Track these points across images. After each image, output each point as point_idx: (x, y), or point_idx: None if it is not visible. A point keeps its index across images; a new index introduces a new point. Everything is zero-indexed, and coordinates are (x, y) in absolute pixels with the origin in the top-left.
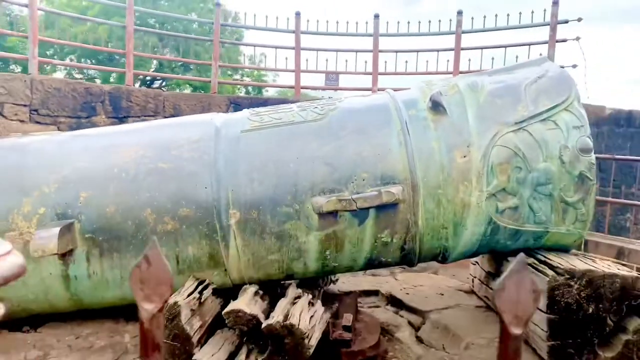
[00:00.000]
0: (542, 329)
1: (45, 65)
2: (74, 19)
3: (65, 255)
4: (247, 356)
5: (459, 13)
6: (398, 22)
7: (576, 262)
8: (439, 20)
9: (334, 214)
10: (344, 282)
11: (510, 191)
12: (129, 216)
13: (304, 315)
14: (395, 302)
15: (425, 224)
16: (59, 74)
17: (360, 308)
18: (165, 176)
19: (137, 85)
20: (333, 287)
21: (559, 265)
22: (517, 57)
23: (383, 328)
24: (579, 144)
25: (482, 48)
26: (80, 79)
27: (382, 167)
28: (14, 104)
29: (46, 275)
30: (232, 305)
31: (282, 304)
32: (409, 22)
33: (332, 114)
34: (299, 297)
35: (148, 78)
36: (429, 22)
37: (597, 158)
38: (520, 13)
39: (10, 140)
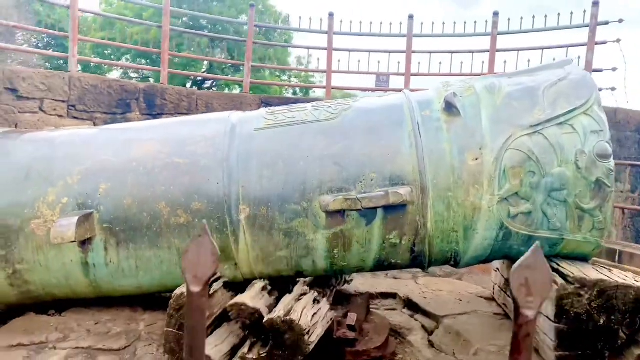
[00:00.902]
0: (550, 339)
1: (103, 65)
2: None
3: (84, 244)
4: (250, 349)
5: (495, 14)
6: (432, 23)
7: (590, 272)
8: (475, 22)
9: (341, 213)
10: (362, 284)
11: (523, 196)
12: (145, 208)
13: (307, 312)
14: (411, 305)
15: (434, 226)
16: (115, 74)
17: (375, 310)
18: (180, 171)
19: (188, 85)
20: (349, 288)
21: (570, 274)
22: (554, 59)
23: (395, 330)
24: (596, 149)
25: (518, 50)
26: (135, 78)
27: (391, 168)
28: (53, 99)
29: (67, 261)
30: (236, 299)
31: (286, 300)
32: (444, 23)
33: (345, 113)
34: (304, 294)
35: (199, 79)
36: (464, 23)
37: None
38: (559, 14)
39: (42, 134)
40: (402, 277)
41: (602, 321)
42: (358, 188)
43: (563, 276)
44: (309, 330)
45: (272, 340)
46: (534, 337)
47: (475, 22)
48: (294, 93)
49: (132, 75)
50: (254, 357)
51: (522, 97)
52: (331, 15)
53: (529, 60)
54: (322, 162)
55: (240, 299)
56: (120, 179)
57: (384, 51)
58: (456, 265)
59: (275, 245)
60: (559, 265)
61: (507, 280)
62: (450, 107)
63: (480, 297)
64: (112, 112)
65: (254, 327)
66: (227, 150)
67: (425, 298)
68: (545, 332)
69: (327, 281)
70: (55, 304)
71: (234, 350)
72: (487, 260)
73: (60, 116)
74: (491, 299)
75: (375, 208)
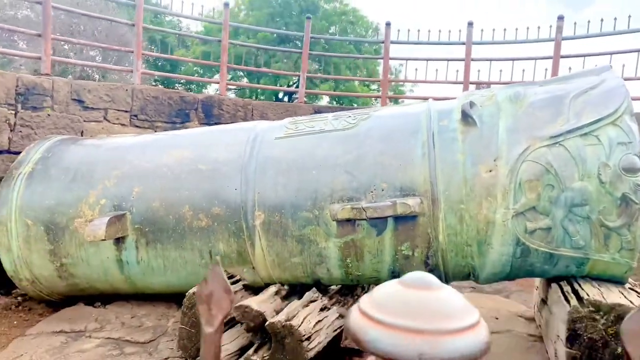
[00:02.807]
0: None
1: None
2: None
3: (118, 242)
4: (256, 351)
5: (560, 18)
6: (493, 30)
7: (611, 295)
8: (538, 27)
9: (352, 222)
10: None
11: (541, 211)
12: (171, 211)
13: (310, 318)
14: None
15: (447, 239)
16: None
17: None
18: (203, 176)
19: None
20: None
21: (586, 296)
22: (623, 65)
23: None
24: (622, 162)
25: (584, 55)
26: (233, 90)
27: (402, 178)
28: (116, 109)
29: (104, 258)
30: (244, 301)
31: (293, 306)
32: (505, 30)
33: (362, 123)
34: (313, 300)
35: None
36: (527, 28)
37: None
38: (629, 16)
39: (93, 140)
40: None
41: (620, 349)
42: (368, 197)
43: (579, 298)
44: (309, 337)
45: (274, 344)
46: None
47: (538, 27)
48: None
49: (231, 87)
50: (266, 357)
51: (546, 107)
52: (388, 24)
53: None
54: (334, 171)
55: (247, 301)
56: (150, 183)
57: (441, 59)
58: (476, 280)
59: (289, 251)
60: (580, 285)
61: (542, 300)
62: (465, 117)
63: (521, 316)
64: (171, 121)
65: (262, 330)
66: (247, 158)
67: None
68: (558, 356)
69: (352, 290)
70: (101, 297)
71: (243, 350)
72: (510, 277)
73: (122, 125)
74: (531, 319)
75: (382, 218)
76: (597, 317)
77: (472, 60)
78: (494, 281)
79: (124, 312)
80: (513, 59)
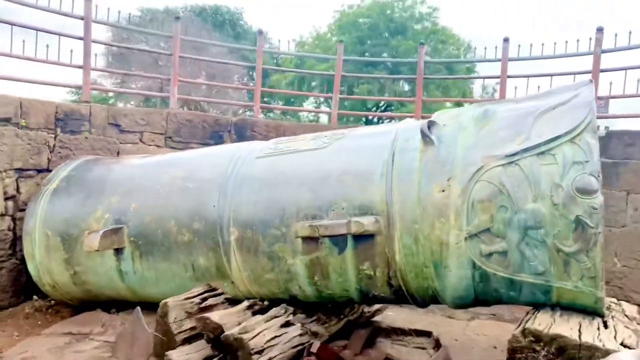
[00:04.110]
0: None
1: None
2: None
3: (118, 253)
4: None
5: (599, 30)
6: (531, 45)
7: (561, 326)
8: (577, 40)
9: (315, 240)
10: (403, 319)
11: (496, 233)
12: (159, 226)
13: (267, 333)
14: (439, 347)
15: (404, 260)
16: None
17: (402, 346)
18: (189, 194)
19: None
20: (383, 319)
21: (530, 325)
22: None
23: None
24: (576, 182)
25: (626, 69)
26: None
27: (362, 197)
28: (151, 132)
29: (108, 267)
30: (206, 313)
31: (254, 320)
32: (543, 44)
33: (335, 143)
34: (277, 316)
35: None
36: (566, 42)
37: None
38: None
39: (112, 159)
40: (458, 316)
41: None
42: (330, 216)
43: (523, 326)
44: (261, 351)
45: (229, 356)
46: None
47: (577, 40)
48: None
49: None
50: None
51: (510, 125)
52: (506, 40)
53: (638, 81)
54: (300, 190)
55: (210, 313)
56: (145, 199)
57: (476, 77)
58: (444, 303)
59: (262, 267)
60: (538, 313)
61: None
62: (424, 136)
63: None
64: (205, 143)
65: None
66: (227, 176)
67: (456, 340)
68: None
69: (335, 310)
70: (117, 304)
71: None
72: (479, 303)
73: (158, 146)
74: None
75: (335, 236)
76: (538, 347)
77: (509, 77)
78: (463, 306)
79: (130, 319)
80: (551, 75)
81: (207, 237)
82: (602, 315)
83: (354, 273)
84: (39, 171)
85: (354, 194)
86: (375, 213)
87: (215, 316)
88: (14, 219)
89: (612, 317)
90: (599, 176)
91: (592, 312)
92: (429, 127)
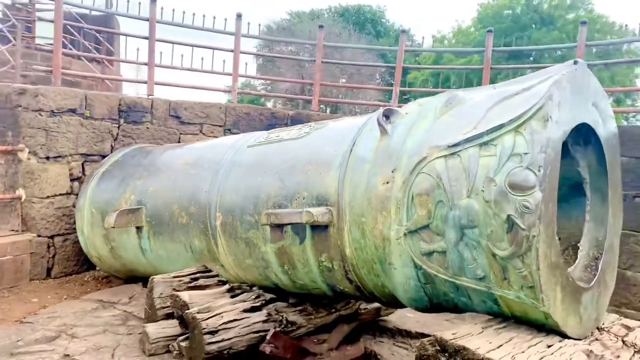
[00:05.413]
0: None
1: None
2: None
3: (139, 231)
4: (185, 339)
5: None
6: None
7: (472, 340)
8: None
9: (280, 228)
10: (418, 321)
11: (435, 230)
12: (167, 208)
13: (225, 315)
14: None
15: (354, 254)
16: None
17: (403, 348)
18: (190, 179)
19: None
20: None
21: (438, 334)
22: None
23: None
24: (510, 177)
25: None
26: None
27: (319, 187)
28: (211, 124)
29: (133, 244)
30: (179, 292)
31: (220, 302)
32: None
33: (314, 132)
34: (245, 301)
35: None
36: None
37: None
38: None
39: (152, 147)
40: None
41: None
42: (294, 205)
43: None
44: (215, 332)
45: (190, 333)
46: None
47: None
48: None
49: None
50: (184, 346)
51: (469, 113)
52: (583, 23)
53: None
54: (273, 178)
55: (182, 292)
56: (160, 183)
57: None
58: (404, 306)
59: (242, 252)
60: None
61: None
62: (379, 125)
63: None
64: None
65: None
66: (221, 164)
67: None
68: None
69: (330, 303)
70: None
71: (179, 335)
72: (438, 307)
73: (216, 137)
74: None
75: (294, 224)
76: (443, 358)
77: None
78: (425, 310)
79: None
80: None
81: (199, 221)
82: (565, 336)
83: (315, 264)
84: (103, 156)
85: (313, 184)
86: (330, 204)
87: (184, 295)
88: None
89: (597, 340)
90: (539, 170)
91: (558, 331)
92: (388, 116)
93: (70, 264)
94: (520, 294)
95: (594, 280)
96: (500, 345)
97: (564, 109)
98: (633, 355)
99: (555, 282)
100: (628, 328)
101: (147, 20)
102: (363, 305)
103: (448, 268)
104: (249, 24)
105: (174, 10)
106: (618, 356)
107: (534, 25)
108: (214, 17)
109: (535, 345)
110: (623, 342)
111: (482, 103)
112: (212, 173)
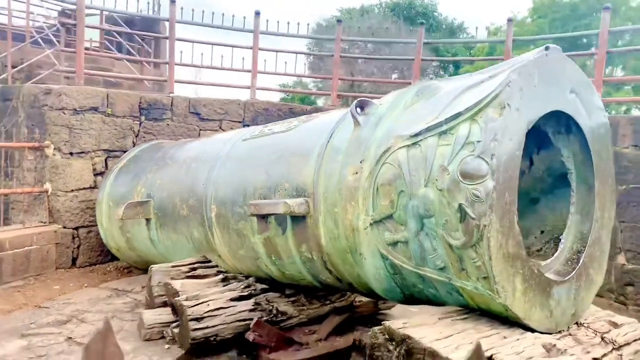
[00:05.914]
0: None
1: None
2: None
3: (148, 223)
4: (177, 326)
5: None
6: None
7: (419, 330)
8: None
9: (265, 219)
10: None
11: (398, 220)
12: (170, 200)
13: (212, 303)
14: None
15: (330, 244)
16: None
17: None
18: (190, 173)
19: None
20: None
21: (387, 323)
22: None
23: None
24: (462, 165)
25: None
26: None
27: (299, 179)
28: (230, 120)
29: (144, 235)
30: (172, 281)
31: (210, 291)
32: None
33: (302, 125)
34: (233, 290)
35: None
36: None
37: None
38: None
39: (166, 142)
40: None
41: None
42: (277, 196)
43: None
44: (200, 319)
45: (179, 320)
46: None
47: None
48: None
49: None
50: (175, 332)
51: (437, 102)
52: (509, 19)
53: None
54: (259, 170)
55: (174, 281)
56: (166, 176)
57: None
58: (381, 298)
59: (234, 243)
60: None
61: None
62: (352, 116)
63: None
64: None
65: None
66: (218, 157)
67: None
68: None
69: (325, 295)
70: None
71: (173, 322)
72: (411, 299)
73: None
74: None
75: (275, 215)
76: (391, 347)
77: None
78: (401, 302)
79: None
80: None
81: (197, 213)
82: (532, 330)
83: (297, 255)
84: (125, 152)
85: (294, 175)
86: (307, 195)
87: (177, 283)
88: None
89: (570, 335)
90: (492, 159)
91: (522, 325)
92: (362, 107)
93: (94, 255)
94: (478, 285)
95: (572, 273)
96: (450, 336)
97: (528, 96)
98: (610, 351)
99: (514, 273)
100: (614, 325)
101: (167, 20)
102: (358, 298)
103: (411, 258)
104: (298, 24)
105: (193, 10)
106: (588, 352)
107: (594, 14)
108: (233, 16)
109: (489, 337)
110: (602, 338)
111: (451, 92)
112: (209, 166)
